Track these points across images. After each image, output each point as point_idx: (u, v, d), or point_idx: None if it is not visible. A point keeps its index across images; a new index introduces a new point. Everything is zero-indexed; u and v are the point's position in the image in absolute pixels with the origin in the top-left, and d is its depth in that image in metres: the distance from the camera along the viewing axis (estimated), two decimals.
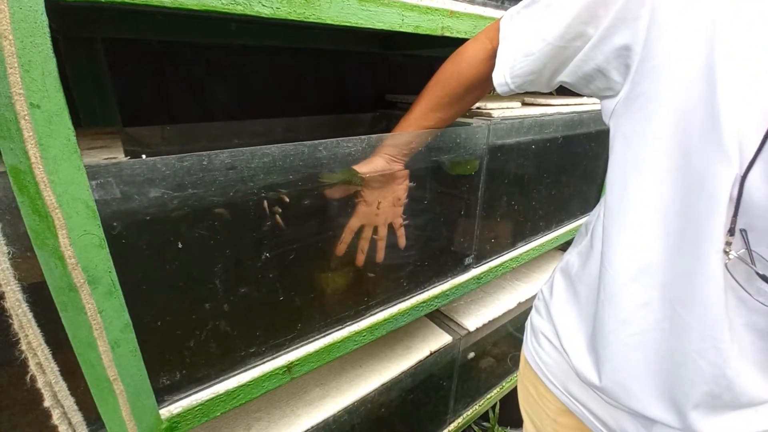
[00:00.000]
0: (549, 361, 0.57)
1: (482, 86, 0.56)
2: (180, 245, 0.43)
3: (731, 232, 0.33)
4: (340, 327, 0.62)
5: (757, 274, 0.33)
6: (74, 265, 0.31)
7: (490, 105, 0.76)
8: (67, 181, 0.32)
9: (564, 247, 1.23)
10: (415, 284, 0.72)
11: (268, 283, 0.51)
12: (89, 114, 0.65)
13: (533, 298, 1.08)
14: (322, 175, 0.51)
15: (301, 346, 0.58)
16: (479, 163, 0.71)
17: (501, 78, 0.50)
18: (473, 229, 0.77)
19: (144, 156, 0.38)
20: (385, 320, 0.67)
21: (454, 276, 0.78)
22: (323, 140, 0.49)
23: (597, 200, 1.18)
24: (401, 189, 0.61)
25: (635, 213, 0.40)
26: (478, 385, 1.08)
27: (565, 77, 0.46)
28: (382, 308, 0.67)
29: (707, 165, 0.33)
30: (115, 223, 0.38)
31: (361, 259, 0.61)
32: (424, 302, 0.73)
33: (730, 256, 0.34)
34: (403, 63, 0.99)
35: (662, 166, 0.37)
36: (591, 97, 0.47)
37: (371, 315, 0.66)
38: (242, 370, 0.53)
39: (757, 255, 0.33)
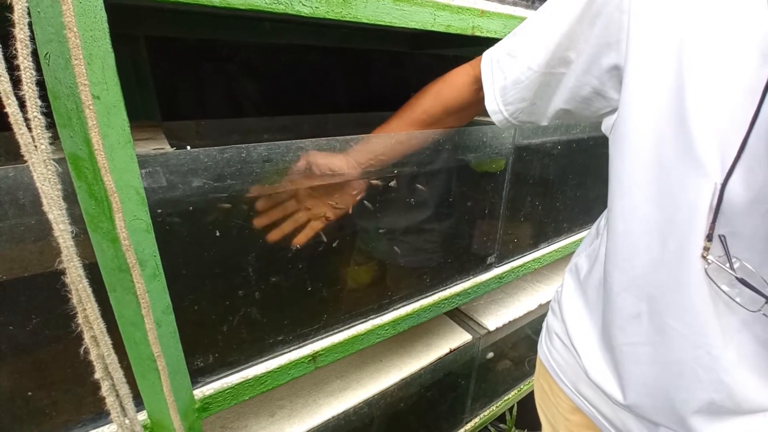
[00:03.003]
0: (560, 360, 0.57)
1: (462, 111, 0.56)
2: (218, 233, 0.45)
3: (709, 237, 0.34)
4: (364, 320, 0.63)
5: (737, 278, 0.33)
6: (128, 247, 0.34)
7: None
8: (122, 168, 0.35)
9: None
10: (438, 281, 0.72)
11: (297, 274, 0.53)
12: (131, 108, 0.68)
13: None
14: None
15: (326, 336, 0.60)
16: (505, 162, 0.71)
17: (494, 105, 0.50)
18: (496, 229, 0.77)
19: (189, 147, 0.40)
20: (407, 315, 0.68)
21: (476, 275, 0.79)
22: (355, 135, 0.50)
23: None
24: (347, 198, 0.55)
25: (622, 224, 0.41)
26: (496, 386, 1.07)
27: (563, 105, 0.46)
28: (404, 303, 0.68)
29: (684, 176, 0.34)
30: (160, 210, 0.40)
31: (275, 235, 0.52)
32: (445, 299, 0.73)
33: (709, 261, 0.34)
34: (430, 63, 1.00)
35: (641, 179, 0.37)
36: (593, 119, 0.46)
37: (394, 310, 0.67)
38: (270, 357, 0.55)
39: (739, 261, 0.34)
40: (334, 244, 0.56)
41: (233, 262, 0.47)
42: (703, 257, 0.34)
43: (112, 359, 0.31)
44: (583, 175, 0.94)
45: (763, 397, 0.38)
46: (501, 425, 1.26)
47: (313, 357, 0.58)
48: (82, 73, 0.30)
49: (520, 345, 1.13)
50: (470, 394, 0.97)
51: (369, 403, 0.72)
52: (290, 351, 0.57)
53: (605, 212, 0.52)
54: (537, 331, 1.14)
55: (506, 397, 1.11)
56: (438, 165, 0.62)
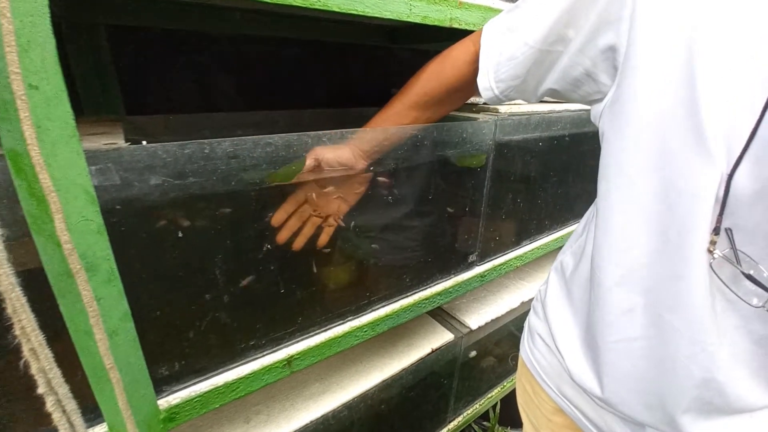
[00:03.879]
0: (543, 361, 0.57)
1: (463, 90, 0.55)
2: (180, 234, 0.42)
3: (716, 231, 0.33)
4: (341, 322, 0.61)
5: (743, 274, 0.32)
6: (71, 251, 0.31)
7: None
8: (65, 165, 0.32)
9: None
10: (418, 281, 0.71)
11: (269, 275, 0.51)
12: (92, 102, 0.64)
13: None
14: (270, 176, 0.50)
15: (302, 339, 0.57)
16: (486, 158, 0.70)
17: (485, 82, 0.49)
18: (478, 227, 0.76)
19: (145, 143, 0.37)
20: (386, 316, 0.66)
21: (457, 273, 0.77)
22: (328, 131, 0.48)
23: None
24: (354, 192, 0.56)
25: (619, 216, 0.40)
26: (479, 384, 1.07)
27: (552, 84, 0.46)
28: (384, 304, 0.67)
29: (689, 165, 0.33)
30: (115, 210, 0.37)
31: (299, 242, 0.53)
32: (426, 299, 0.72)
33: (715, 256, 0.33)
34: (410, 57, 0.98)
35: (643, 167, 0.36)
36: (579, 103, 0.46)
37: (373, 310, 0.65)
38: (242, 362, 0.53)
39: (744, 255, 0.33)
40: (309, 244, 0.54)
41: (199, 264, 0.45)
42: (709, 251, 0.33)
43: (55, 373, 0.29)
44: (565, 171, 0.94)
45: (755, 396, 0.38)
46: (485, 423, 1.26)
47: (288, 361, 0.56)
48: (14, 60, 0.27)
49: (504, 342, 1.12)
50: (453, 393, 0.97)
51: (349, 406, 0.70)
52: (263, 356, 0.54)
53: (592, 208, 0.51)
54: (520, 328, 1.14)
55: (490, 395, 1.11)
56: (417, 160, 0.60)
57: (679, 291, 0.36)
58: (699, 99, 0.32)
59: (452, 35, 0.63)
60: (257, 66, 0.78)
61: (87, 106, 0.64)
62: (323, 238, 0.57)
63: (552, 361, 0.55)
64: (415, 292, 0.71)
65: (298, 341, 0.57)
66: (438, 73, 0.53)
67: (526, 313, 1.04)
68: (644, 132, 0.36)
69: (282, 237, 0.52)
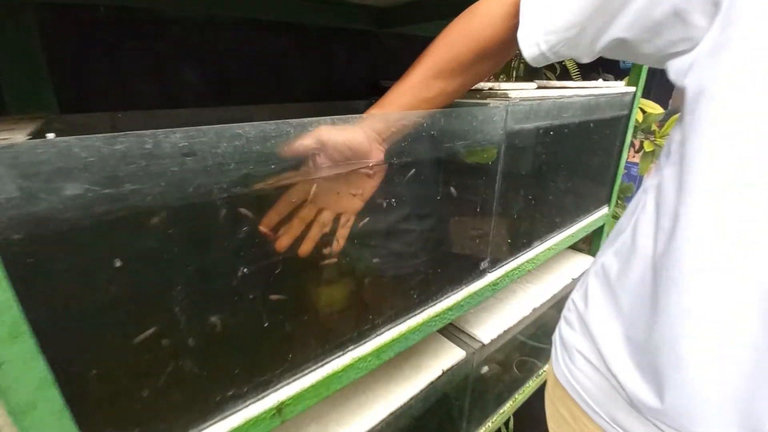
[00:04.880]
0: (587, 383, 0.48)
1: (498, 52, 0.46)
2: (119, 263, 0.31)
3: None
4: (341, 353, 0.51)
5: None
6: None
7: (503, 86, 0.66)
8: None
9: (574, 245, 1.14)
10: (426, 295, 0.61)
11: (247, 306, 0.40)
12: (18, 98, 0.52)
13: (548, 302, 0.99)
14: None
15: (294, 380, 0.46)
16: (497, 151, 0.61)
17: (530, 38, 0.40)
18: (489, 229, 0.67)
19: (53, 135, 0.26)
20: (393, 340, 0.56)
21: (468, 283, 0.68)
22: (314, 118, 0.38)
23: (610, 194, 1.10)
24: (371, 182, 0.47)
25: (732, 196, 0.30)
26: (491, 401, 0.97)
27: (621, 32, 0.36)
28: (389, 326, 0.56)
29: None
30: (15, 236, 0.26)
31: (306, 247, 0.44)
32: (437, 316, 0.62)
33: None
34: (400, 44, 0.88)
35: None
36: (646, 60, 0.37)
37: (377, 335, 0.55)
38: (219, 418, 0.41)
39: None
40: (295, 261, 0.43)
41: (150, 301, 0.33)
42: None
43: None
44: (575, 164, 0.86)
45: None
46: None
47: (279, 409, 0.45)
48: None
49: (516, 353, 1.04)
50: (465, 415, 0.87)
51: None
52: (247, 406, 0.43)
53: (638, 198, 0.42)
54: (532, 336, 1.06)
55: (502, 411, 1.02)
56: (419, 154, 0.50)
57: None
58: None
59: (451, 11, 0.54)
60: (226, 54, 0.67)
61: (13, 104, 0.52)
62: (337, 245, 0.47)
63: (601, 383, 0.45)
64: (424, 309, 0.61)
65: (289, 383, 0.46)
66: (466, 32, 0.44)
67: (539, 320, 0.95)
68: None
69: (283, 243, 0.41)
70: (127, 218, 0.30)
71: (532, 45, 0.40)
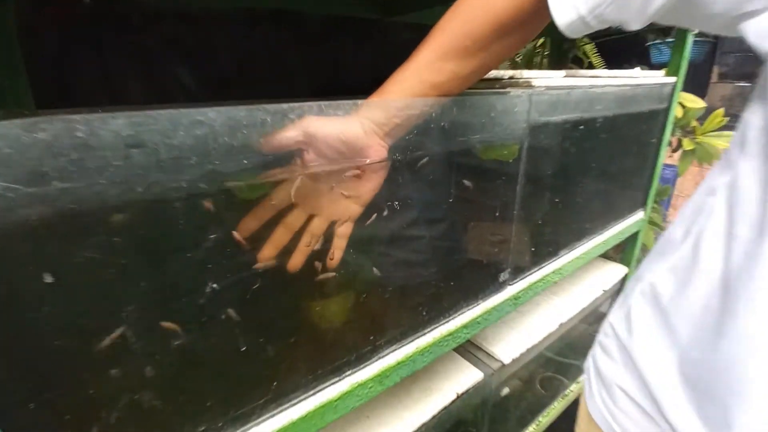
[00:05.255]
0: (632, 427, 0.39)
1: (522, 25, 0.39)
2: (50, 279, 0.25)
3: None
4: (337, 378, 0.44)
5: None
6: None
7: (526, 73, 0.58)
8: None
9: (604, 253, 1.04)
10: (437, 311, 0.54)
11: (220, 327, 0.34)
12: None
13: (577, 316, 0.90)
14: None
15: (281, 411, 0.40)
16: (519, 148, 0.53)
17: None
18: (510, 235, 0.59)
19: None
20: (398, 364, 0.49)
21: (486, 297, 0.60)
22: (295, 103, 0.32)
23: (646, 197, 0.99)
24: (370, 183, 0.40)
25: None
26: (512, 425, 0.89)
27: None
28: (393, 347, 0.49)
29: None
30: None
31: (296, 261, 0.38)
32: (449, 335, 0.54)
33: None
34: (409, 36, 0.82)
35: None
36: (719, 20, 0.29)
37: (379, 358, 0.48)
38: None
39: None
40: (276, 274, 0.37)
41: (89, 324, 0.28)
42: None
43: None
44: (607, 163, 0.77)
45: None
46: None
47: None
48: None
49: (539, 368, 0.95)
50: None
51: None
52: None
53: (697, 200, 0.34)
54: (559, 352, 0.97)
55: None
56: (429, 151, 0.43)
57: None
58: None
59: None
60: (219, 47, 0.63)
61: None
62: (333, 257, 0.40)
63: (649, 429, 0.37)
64: (434, 327, 0.54)
65: (274, 415, 0.40)
66: (483, 2, 0.37)
67: (566, 335, 0.85)
68: None
69: (265, 254, 0.35)
70: (58, 224, 0.24)
71: (567, 9, 0.33)
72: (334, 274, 0.41)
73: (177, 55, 0.60)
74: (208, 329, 0.32)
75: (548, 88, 0.55)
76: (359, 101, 0.36)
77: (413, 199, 0.46)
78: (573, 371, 1.11)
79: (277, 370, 0.39)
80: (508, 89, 0.52)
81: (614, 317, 0.45)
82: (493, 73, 0.58)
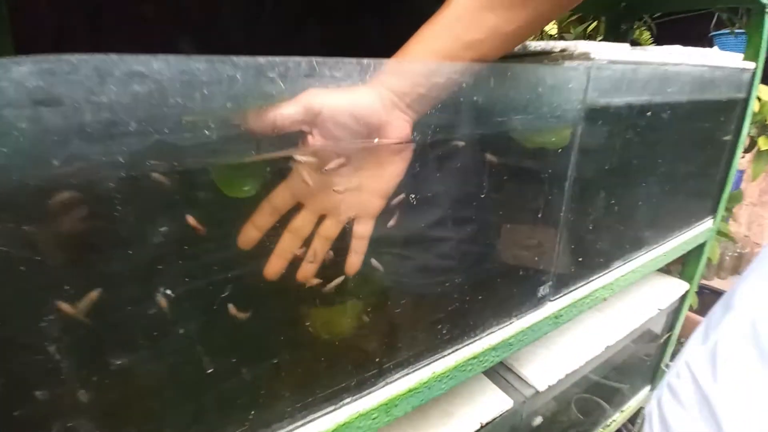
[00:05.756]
0: None
1: None
2: None
3: None
4: (333, 407, 0.36)
5: None
6: None
7: (583, 45, 0.48)
8: None
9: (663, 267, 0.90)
10: (461, 329, 0.45)
11: (177, 343, 0.27)
12: None
13: (626, 338, 0.77)
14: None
15: None
16: (571, 134, 0.43)
17: None
18: (554, 242, 0.49)
19: None
20: (410, 391, 0.40)
21: (521, 314, 0.50)
22: (283, 57, 0.24)
23: (717, 203, 0.85)
24: (393, 170, 0.32)
25: None
26: None
27: None
28: (405, 371, 0.41)
29: None
30: None
31: (305, 271, 0.31)
32: (474, 357, 0.45)
33: None
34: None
35: None
36: None
37: (386, 384, 0.40)
38: None
39: None
40: (256, 276, 0.30)
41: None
42: None
43: None
44: (675, 158, 0.64)
45: None
46: None
47: None
48: None
49: (575, 389, 0.83)
50: None
51: None
52: None
53: None
54: (600, 372, 0.85)
55: None
56: (456, 132, 0.35)
57: None
58: None
59: None
60: (227, 24, 0.57)
61: None
62: (352, 262, 0.33)
63: None
64: (457, 348, 0.45)
65: None
66: None
67: (614, 359, 0.74)
68: None
69: (272, 270, 0.30)
70: None
71: None
72: (340, 281, 0.33)
73: (180, 30, 0.55)
74: (160, 348, 0.25)
75: (611, 62, 0.44)
76: (365, 61, 0.27)
77: (436, 193, 0.38)
78: (616, 397, 0.98)
79: (255, 396, 0.31)
80: (560, 61, 0.42)
81: (693, 356, 0.35)
82: (541, 45, 0.48)
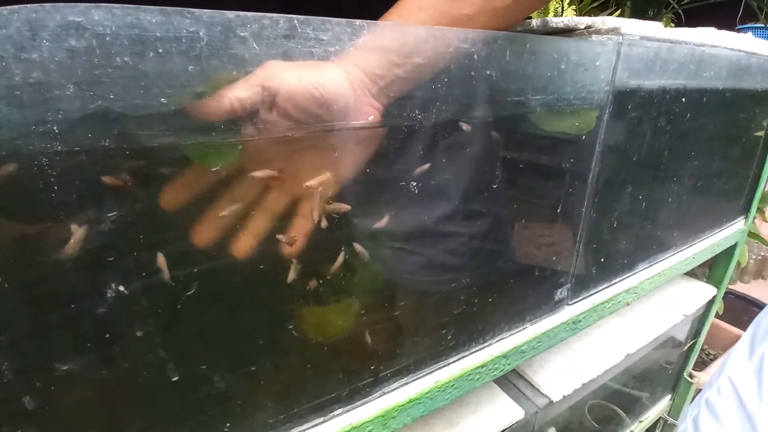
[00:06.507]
0: None
1: None
2: None
3: None
4: (321, 419, 0.33)
5: None
6: None
7: (610, 21, 0.43)
8: None
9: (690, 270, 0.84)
10: (468, 334, 0.41)
11: (135, 345, 0.23)
12: None
13: (648, 346, 0.72)
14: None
15: None
16: (597, 117, 0.38)
17: None
18: (574, 240, 0.44)
19: None
20: (409, 402, 0.37)
21: (536, 319, 0.46)
22: (251, 13, 0.20)
23: (750, 203, 0.78)
24: (351, 155, 0.28)
25: None
26: None
27: None
28: (405, 380, 0.37)
29: None
30: None
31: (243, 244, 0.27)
32: (482, 366, 0.41)
33: None
34: None
35: None
36: None
37: (383, 394, 0.36)
38: None
39: None
40: (236, 270, 0.26)
41: None
42: None
43: None
44: (710, 151, 0.59)
45: None
46: None
47: None
48: None
49: (589, 396, 0.78)
50: None
51: None
52: None
53: None
54: (618, 380, 0.80)
55: None
56: (465, 113, 0.30)
57: None
58: None
59: None
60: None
61: None
62: (294, 243, 0.28)
63: None
64: (463, 355, 0.41)
65: None
66: None
67: (634, 368, 0.69)
68: None
69: (203, 237, 0.24)
70: None
71: None
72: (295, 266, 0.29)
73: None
74: (112, 351, 0.22)
75: (643, 38, 0.39)
76: (357, 22, 0.23)
77: (441, 182, 0.34)
78: (635, 406, 0.93)
79: (230, 407, 0.28)
80: (586, 36, 0.38)
81: (737, 371, 0.30)
82: (564, 21, 0.43)
